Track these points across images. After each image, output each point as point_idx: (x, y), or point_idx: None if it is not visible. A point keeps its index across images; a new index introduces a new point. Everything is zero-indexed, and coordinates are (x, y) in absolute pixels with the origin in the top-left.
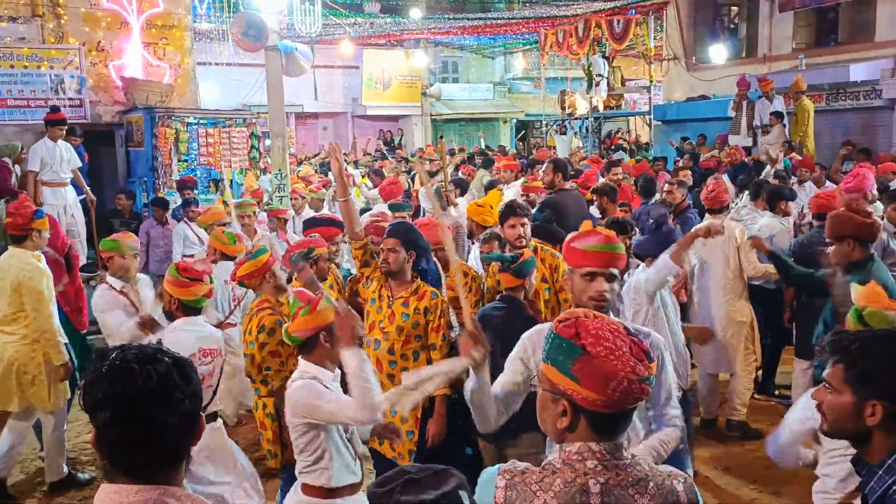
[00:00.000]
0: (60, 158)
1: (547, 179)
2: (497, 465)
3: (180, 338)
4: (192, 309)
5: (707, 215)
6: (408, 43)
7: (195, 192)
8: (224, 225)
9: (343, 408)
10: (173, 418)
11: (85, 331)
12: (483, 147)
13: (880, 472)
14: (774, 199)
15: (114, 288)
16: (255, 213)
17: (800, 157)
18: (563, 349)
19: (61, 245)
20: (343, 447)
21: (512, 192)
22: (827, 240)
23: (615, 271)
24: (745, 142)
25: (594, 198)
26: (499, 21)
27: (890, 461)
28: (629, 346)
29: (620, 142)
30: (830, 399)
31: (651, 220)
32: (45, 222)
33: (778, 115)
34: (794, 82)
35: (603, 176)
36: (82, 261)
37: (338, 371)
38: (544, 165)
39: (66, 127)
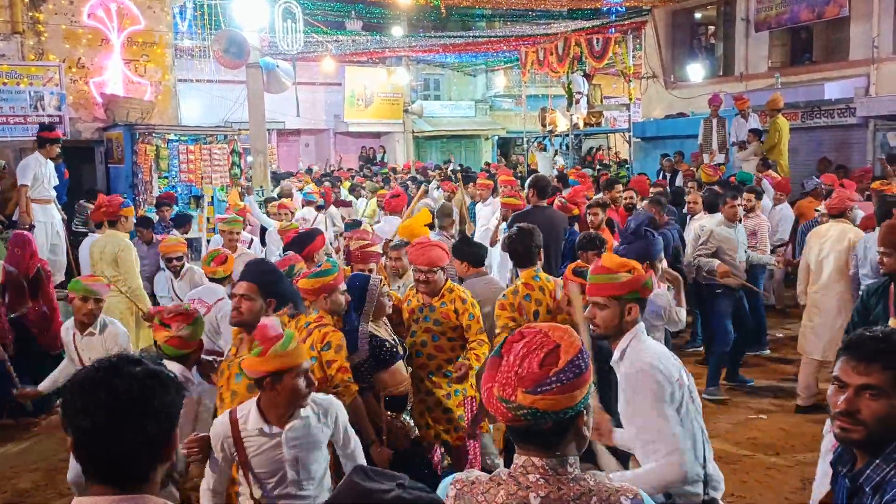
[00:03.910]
0: (49, 175)
1: (525, 195)
2: (453, 474)
3: None
4: (170, 357)
5: (831, 220)
6: (390, 60)
7: (174, 208)
8: (179, 259)
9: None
10: (134, 436)
11: (58, 352)
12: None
13: (878, 462)
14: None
15: (70, 327)
16: (240, 231)
17: (776, 176)
18: (497, 347)
19: (25, 267)
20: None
21: (489, 209)
22: (880, 249)
23: (600, 300)
24: (718, 159)
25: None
26: (480, 39)
27: (888, 450)
28: (525, 370)
29: (607, 160)
30: (877, 405)
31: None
32: (131, 210)
33: (756, 133)
34: (771, 100)
35: (604, 192)
36: (60, 277)
37: (302, 415)
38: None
39: (59, 145)
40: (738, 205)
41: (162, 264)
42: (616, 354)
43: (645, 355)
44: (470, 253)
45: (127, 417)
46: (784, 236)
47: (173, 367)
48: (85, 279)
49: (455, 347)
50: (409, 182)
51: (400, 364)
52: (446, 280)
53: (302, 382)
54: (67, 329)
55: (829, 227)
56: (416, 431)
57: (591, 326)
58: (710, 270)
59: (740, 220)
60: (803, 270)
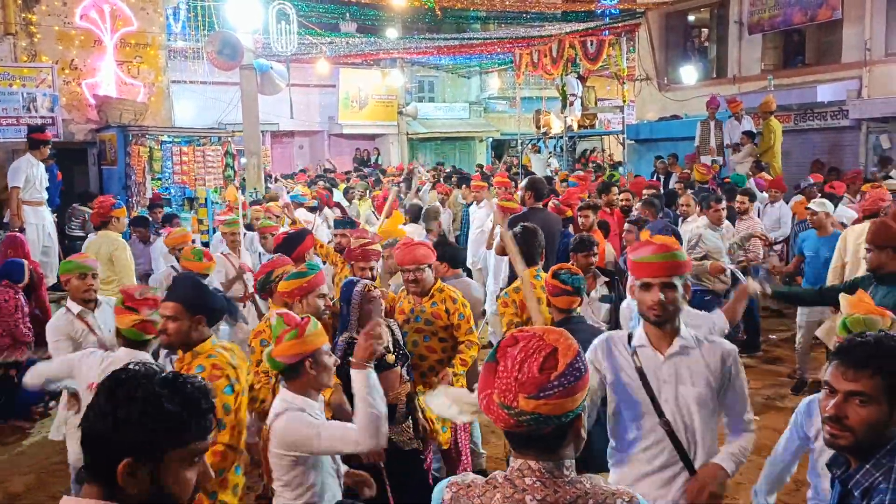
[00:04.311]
0: (41, 177)
1: (520, 196)
2: (448, 478)
3: (91, 364)
4: (130, 341)
5: (866, 220)
6: (384, 62)
7: (164, 209)
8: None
9: (345, 437)
10: (114, 453)
11: None
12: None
13: (868, 467)
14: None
15: (70, 311)
16: (240, 231)
17: (769, 177)
18: (491, 352)
19: None
20: (332, 478)
21: (483, 212)
22: (866, 245)
23: (672, 280)
24: (717, 160)
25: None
26: (474, 41)
27: (878, 456)
28: (525, 375)
29: (602, 162)
30: (865, 412)
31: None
32: (123, 211)
33: (749, 135)
34: (763, 102)
35: (600, 196)
36: (52, 280)
37: (321, 399)
38: (522, 183)
39: (50, 146)
40: (723, 208)
41: (154, 265)
42: (690, 339)
43: (713, 335)
44: (449, 254)
45: (119, 423)
46: (787, 231)
47: (140, 355)
48: (75, 257)
49: (447, 349)
50: (401, 184)
51: (387, 374)
52: (436, 280)
53: (331, 360)
54: (68, 318)
55: (865, 226)
56: (414, 444)
57: (654, 312)
58: (697, 274)
59: (734, 223)
60: (836, 269)
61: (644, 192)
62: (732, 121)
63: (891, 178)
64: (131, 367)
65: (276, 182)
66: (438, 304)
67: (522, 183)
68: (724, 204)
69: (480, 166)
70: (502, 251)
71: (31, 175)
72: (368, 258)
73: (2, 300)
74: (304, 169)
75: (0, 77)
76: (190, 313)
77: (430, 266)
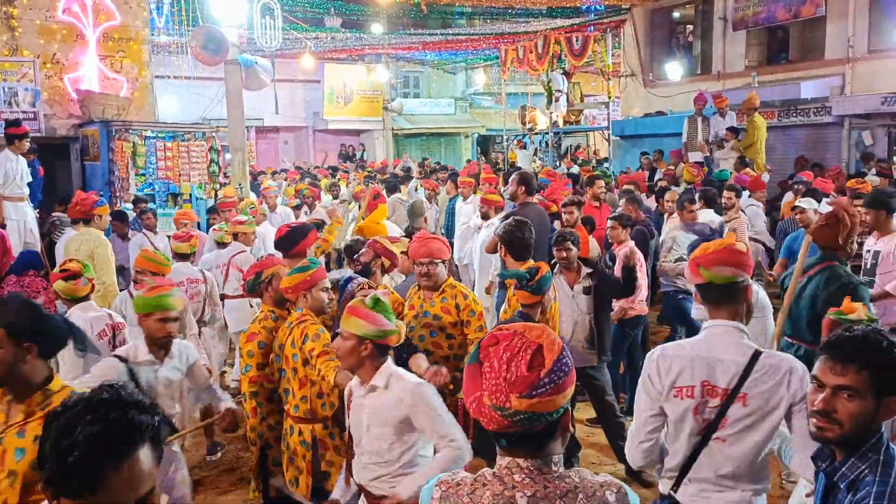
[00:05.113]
0: (22, 172)
1: (510, 191)
2: (438, 476)
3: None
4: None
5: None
6: (369, 57)
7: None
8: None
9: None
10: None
11: None
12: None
13: (853, 459)
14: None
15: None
16: (254, 230)
17: (753, 173)
18: (473, 353)
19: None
20: None
21: (470, 207)
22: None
23: None
24: (706, 155)
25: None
26: (460, 37)
27: (864, 449)
28: (514, 375)
29: (589, 157)
30: (853, 406)
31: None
32: (106, 208)
33: (733, 131)
34: (747, 98)
35: (587, 189)
36: None
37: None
38: (511, 177)
39: (29, 140)
40: (696, 209)
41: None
42: None
43: None
44: None
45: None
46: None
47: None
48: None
49: (453, 346)
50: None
51: None
52: (448, 276)
53: None
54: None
55: None
56: None
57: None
58: (678, 273)
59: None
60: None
61: (624, 185)
62: (717, 116)
63: (864, 173)
64: (102, 388)
65: (260, 176)
66: (448, 300)
67: (512, 177)
68: (697, 205)
69: (469, 162)
70: (493, 248)
71: (11, 170)
72: (375, 252)
73: (40, 289)
74: (298, 166)
75: None
76: (16, 340)
77: (443, 261)
